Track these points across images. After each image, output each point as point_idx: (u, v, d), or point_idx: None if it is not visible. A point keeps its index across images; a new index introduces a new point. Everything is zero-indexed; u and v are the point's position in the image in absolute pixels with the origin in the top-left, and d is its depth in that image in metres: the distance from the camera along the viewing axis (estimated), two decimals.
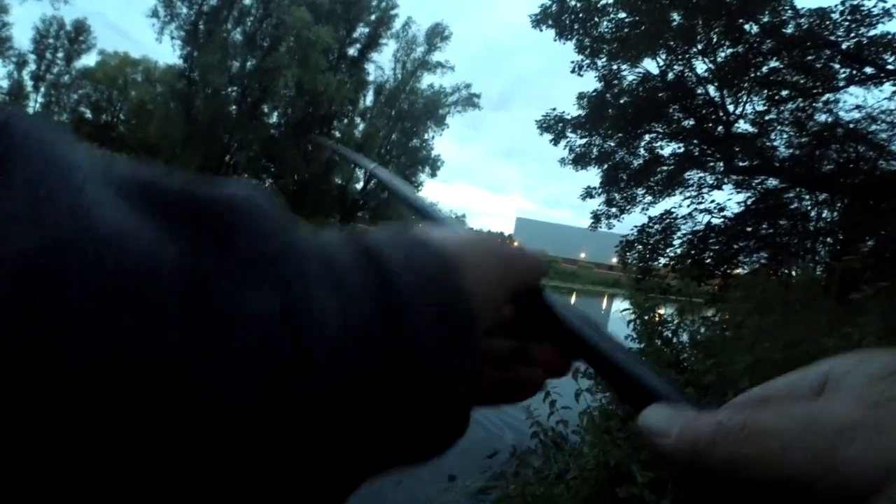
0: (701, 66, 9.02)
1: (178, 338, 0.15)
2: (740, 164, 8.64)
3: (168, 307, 0.15)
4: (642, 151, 9.93)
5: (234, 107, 28.31)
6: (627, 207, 9.94)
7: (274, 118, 30.25)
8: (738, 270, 8.07)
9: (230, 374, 0.16)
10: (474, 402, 0.27)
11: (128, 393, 0.14)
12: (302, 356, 0.18)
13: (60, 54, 36.96)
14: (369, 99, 32.57)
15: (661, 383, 0.27)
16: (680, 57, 9.02)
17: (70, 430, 0.13)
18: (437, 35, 31.27)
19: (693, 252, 8.43)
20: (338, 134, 30.63)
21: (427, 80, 32.23)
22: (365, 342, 0.21)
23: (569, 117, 10.27)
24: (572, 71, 10.01)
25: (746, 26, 8.03)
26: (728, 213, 8.66)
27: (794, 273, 7.15)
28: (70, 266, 0.14)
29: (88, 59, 38.68)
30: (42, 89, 36.51)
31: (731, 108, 8.95)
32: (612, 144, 10.00)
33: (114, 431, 0.14)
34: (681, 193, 9.41)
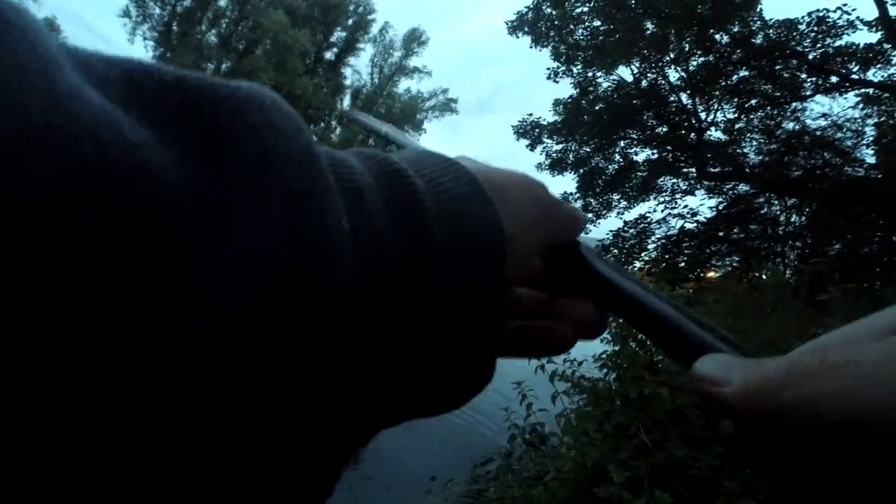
0: (674, 75, 9.22)
1: (171, 248, 0.13)
2: (712, 170, 8.83)
3: (158, 212, 0.13)
4: (617, 157, 10.06)
5: None
6: (603, 213, 10.05)
7: None
8: (712, 274, 8.24)
9: (228, 293, 0.14)
10: (498, 351, 0.25)
11: (106, 298, 0.12)
12: (312, 278, 0.16)
13: None
14: (346, 103, 32.42)
15: (714, 338, 0.25)
16: (653, 65, 9.19)
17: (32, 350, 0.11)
18: (414, 40, 31.29)
19: (667, 256, 8.57)
20: (314, 138, 30.35)
21: (404, 84, 32.23)
22: (382, 268, 0.19)
23: (545, 123, 10.34)
24: (548, 77, 10.11)
25: (717, 36, 8.22)
26: (701, 218, 8.86)
27: (764, 276, 7.31)
28: (44, 157, 0.11)
29: None
30: None
31: (703, 115, 9.17)
32: (588, 150, 10.10)
33: (86, 351, 0.12)
34: (655, 199, 9.56)
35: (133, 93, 0.15)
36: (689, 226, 8.88)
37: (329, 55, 31.32)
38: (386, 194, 0.20)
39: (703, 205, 9.01)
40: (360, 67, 32.20)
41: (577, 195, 10.20)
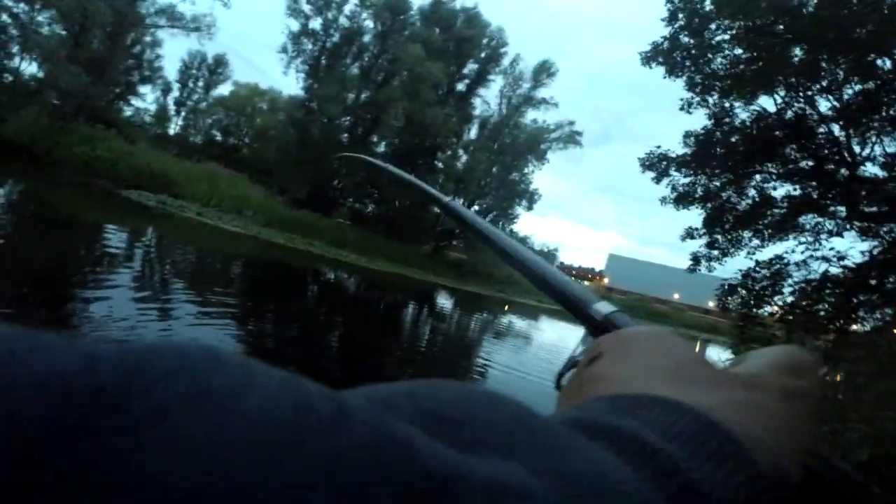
0: (824, 104, 8.40)
1: None
2: (866, 209, 7.86)
3: None
4: (752, 192, 9.36)
5: (345, 135, 30.01)
6: (731, 251, 9.35)
7: (382, 147, 31.71)
8: (856, 327, 7.27)
9: None
10: None
11: None
12: None
13: (201, 83, 41.51)
14: (473, 132, 33.31)
15: None
16: (800, 94, 8.47)
17: None
18: (543, 72, 31.54)
19: (805, 302, 7.72)
20: (441, 165, 31.47)
21: (531, 115, 32.46)
22: None
23: (673, 155, 9.94)
24: (681, 108, 9.71)
25: (878, 62, 7.41)
26: (849, 263, 7.85)
27: None
28: None
29: (224, 89, 43.15)
30: (182, 113, 41.03)
31: (857, 148, 8.21)
32: (719, 184, 9.51)
33: None
34: (794, 238, 8.73)
35: None
36: (833, 270, 7.94)
37: (460, 86, 32.51)
38: None
39: (853, 248, 8.03)
40: (489, 98, 33.04)
41: (703, 231, 9.61)
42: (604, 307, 0.42)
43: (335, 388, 0.15)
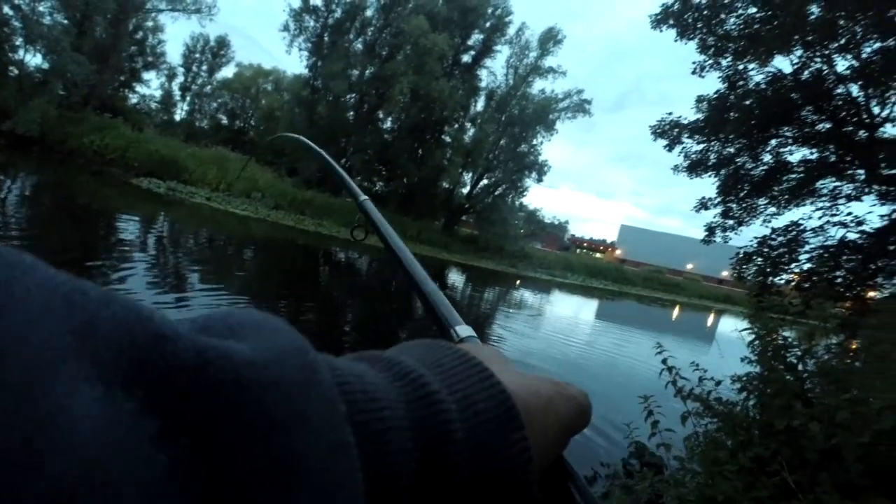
0: (842, 64, 8.11)
1: None
2: (886, 172, 7.64)
3: None
4: (767, 157, 9.14)
5: (352, 112, 29.76)
6: (746, 219, 9.18)
7: (388, 123, 31.45)
8: (876, 293, 7.12)
9: None
10: None
11: None
12: None
13: (205, 67, 41.23)
14: (480, 104, 32.87)
15: None
16: (817, 53, 8.17)
17: None
18: (549, 39, 30.86)
19: (823, 269, 7.59)
20: (448, 139, 31.19)
21: (538, 85, 31.92)
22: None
23: (685, 122, 9.72)
24: (693, 72, 9.48)
25: None
26: (868, 228, 7.68)
27: None
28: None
29: (227, 71, 42.84)
30: (188, 98, 40.86)
31: (876, 109, 7.94)
32: (732, 150, 9.29)
33: None
34: (811, 204, 8.53)
35: (138, 375, 0.16)
36: (852, 236, 7.76)
37: (466, 58, 31.97)
38: (417, 427, 0.22)
39: (871, 213, 7.86)
40: (495, 69, 32.51)
41: (717, 199, 9.43)
42: (463, 330, 0.52)
43: None
